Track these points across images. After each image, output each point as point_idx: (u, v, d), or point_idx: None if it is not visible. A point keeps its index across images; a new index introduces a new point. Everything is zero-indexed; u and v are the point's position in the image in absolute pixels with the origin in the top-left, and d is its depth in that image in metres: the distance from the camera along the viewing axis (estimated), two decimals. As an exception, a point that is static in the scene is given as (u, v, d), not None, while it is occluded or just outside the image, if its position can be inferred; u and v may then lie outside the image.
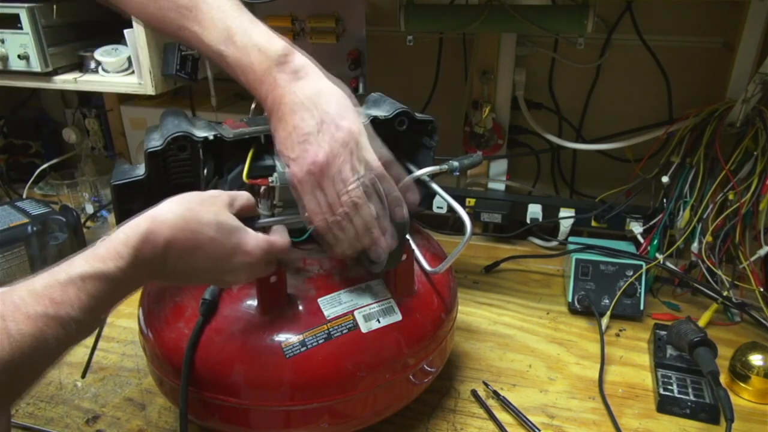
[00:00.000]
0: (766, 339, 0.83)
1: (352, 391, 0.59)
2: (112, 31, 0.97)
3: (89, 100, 1.36)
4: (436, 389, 0.74)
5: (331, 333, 0.59)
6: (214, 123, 0.67)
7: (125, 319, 0.90)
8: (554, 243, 1.09)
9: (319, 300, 0.61)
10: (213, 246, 0.50)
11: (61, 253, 0.97)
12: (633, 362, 0.81)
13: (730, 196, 0.86)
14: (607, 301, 0.88)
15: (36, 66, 0.99)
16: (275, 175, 0.62)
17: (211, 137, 0.62)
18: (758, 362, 0.73)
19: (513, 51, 1.05)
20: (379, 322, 0.61)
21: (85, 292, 0.43)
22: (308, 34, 1.01)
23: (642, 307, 0.88)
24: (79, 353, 0.82)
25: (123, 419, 0.72)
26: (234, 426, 0.61)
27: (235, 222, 0.53)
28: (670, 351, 0.78)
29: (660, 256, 0.91)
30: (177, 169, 0.63)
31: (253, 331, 0.59)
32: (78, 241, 1.01)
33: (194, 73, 0.95)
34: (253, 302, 0.60)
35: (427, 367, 0.66)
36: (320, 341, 0.58)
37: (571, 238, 1.00)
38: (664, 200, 0.95)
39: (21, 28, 0.96)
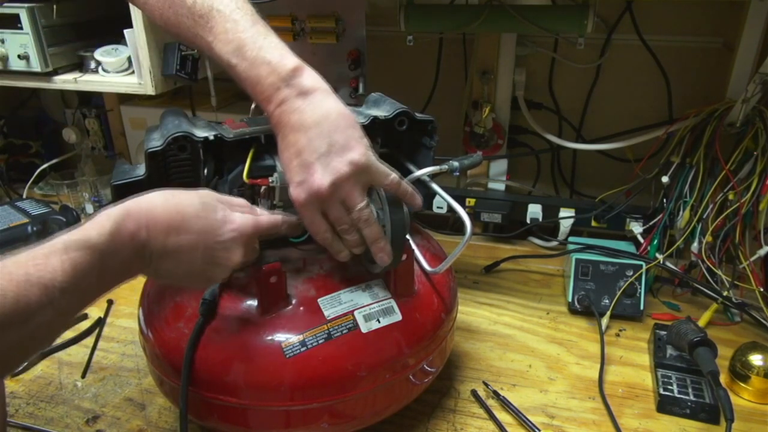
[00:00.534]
0: (766, 339, 0.83)
1: (352, 391, 0.59)
2: (112, 31, 0.97)
3: (89, 100, 1.36)
4: (436, 389, 0.74)
5: (331, 333, 0.59)
6: (214, 123, 0.67)
7: (125, 319, 0.90)
8: (554, 243, 1.09)
9: (319, 300, 0.61)
10: (198, 222, 0.51)
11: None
12: (633, 362, 0.81)
13: (730, 196, 0.86)
14: (607, 301, 0.88)
15: (36, 66, 0.99)
16: (275, 175, 0.62)
17: (212, 137, 0.62)
18: (758, 362, 0.73)
19: (513, 51, 1.05)
20: (379, 322, 0.61)
21: (69, 260, 0.43)
22: (308, 34, 1.01)
23: (642, 307, 0.88)
24: (79, 353, 0.83)
25: (123, 419, 0.72)
26: (234, 426, 0.61)
27: (219, 200, 0.54)
28: (670, 351, 0.78)
29: (660, 256, 0.91)
30: (177, 169, 0.63)
31: (253, 331, 0.59)
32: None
33: (194, 73, 0.95)
34: (253, 302, 0.60)
35: (427, 367, 0.66)
36: (320, 341, 0.58)
37: (571, 238, 1.00)
38: (664, 200, 0.95)
39: (21, 28, 0.96)
